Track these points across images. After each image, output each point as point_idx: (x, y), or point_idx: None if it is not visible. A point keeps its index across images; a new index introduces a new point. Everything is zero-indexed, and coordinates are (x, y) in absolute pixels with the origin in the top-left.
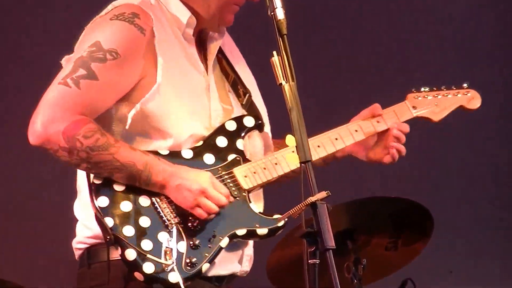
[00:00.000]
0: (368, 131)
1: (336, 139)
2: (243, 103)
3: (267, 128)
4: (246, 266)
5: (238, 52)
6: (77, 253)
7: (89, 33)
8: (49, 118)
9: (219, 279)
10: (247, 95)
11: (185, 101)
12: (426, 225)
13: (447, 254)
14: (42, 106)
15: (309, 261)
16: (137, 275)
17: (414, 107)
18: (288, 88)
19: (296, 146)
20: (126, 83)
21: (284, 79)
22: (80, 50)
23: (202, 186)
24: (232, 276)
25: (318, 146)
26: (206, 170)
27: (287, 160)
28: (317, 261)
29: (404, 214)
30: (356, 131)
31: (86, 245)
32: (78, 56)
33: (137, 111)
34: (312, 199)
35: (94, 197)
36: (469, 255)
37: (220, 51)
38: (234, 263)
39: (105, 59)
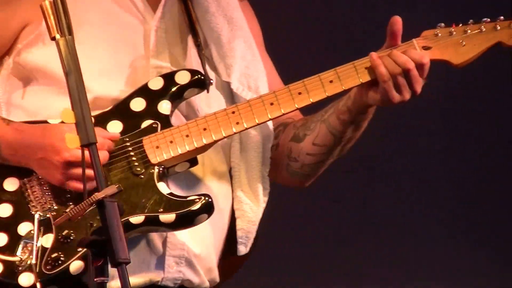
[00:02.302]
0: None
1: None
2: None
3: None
4: (178, 271)
5: None
6: None
7: None
8: None
9: None
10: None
11: (94, 54)
12: None
13: None
14: None
15: (95, 279)
16: None
17: (426, 47)
18: (64, 44)
19: (75, 124)
20: None
21: (58, 32)
22: None
23: (62, 153)
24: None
25: (299, 93)
26: None
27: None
28: (106, 279)
29: None
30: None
31: None
32: None
33: (16, 67)
34: (98, 195)
35: None
36: None
37: None
38: (149, 268)
39: None
